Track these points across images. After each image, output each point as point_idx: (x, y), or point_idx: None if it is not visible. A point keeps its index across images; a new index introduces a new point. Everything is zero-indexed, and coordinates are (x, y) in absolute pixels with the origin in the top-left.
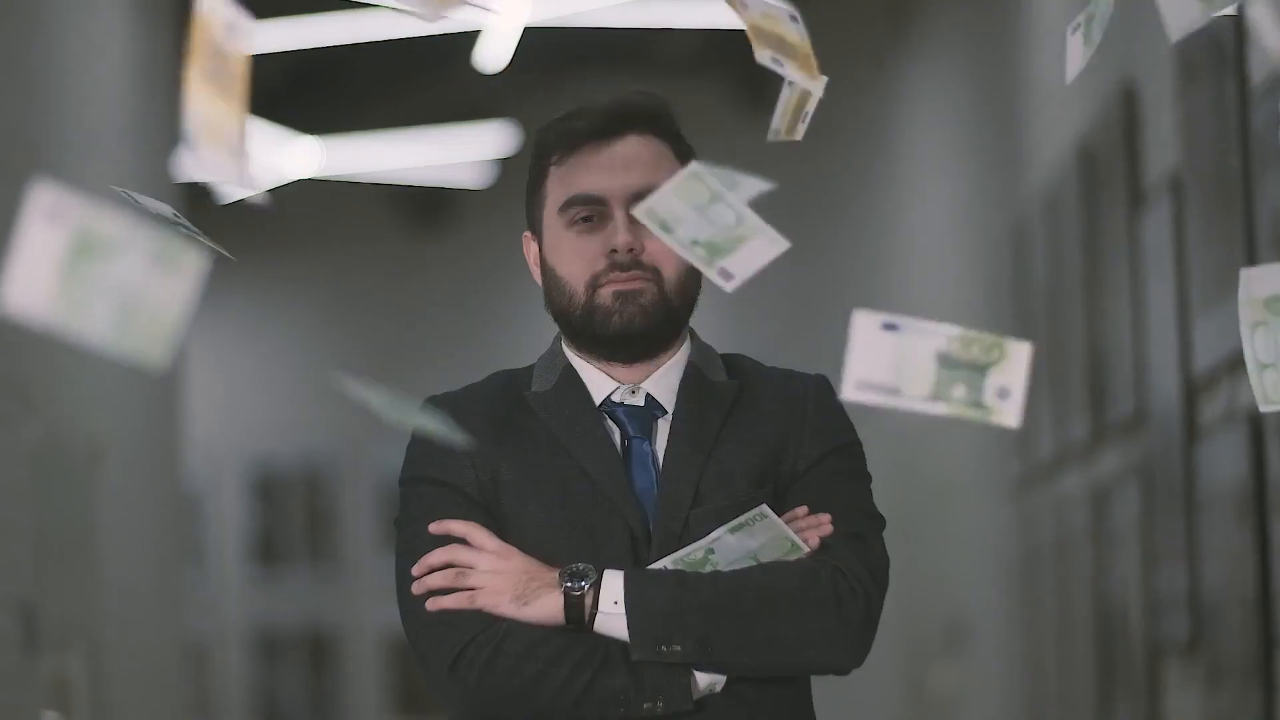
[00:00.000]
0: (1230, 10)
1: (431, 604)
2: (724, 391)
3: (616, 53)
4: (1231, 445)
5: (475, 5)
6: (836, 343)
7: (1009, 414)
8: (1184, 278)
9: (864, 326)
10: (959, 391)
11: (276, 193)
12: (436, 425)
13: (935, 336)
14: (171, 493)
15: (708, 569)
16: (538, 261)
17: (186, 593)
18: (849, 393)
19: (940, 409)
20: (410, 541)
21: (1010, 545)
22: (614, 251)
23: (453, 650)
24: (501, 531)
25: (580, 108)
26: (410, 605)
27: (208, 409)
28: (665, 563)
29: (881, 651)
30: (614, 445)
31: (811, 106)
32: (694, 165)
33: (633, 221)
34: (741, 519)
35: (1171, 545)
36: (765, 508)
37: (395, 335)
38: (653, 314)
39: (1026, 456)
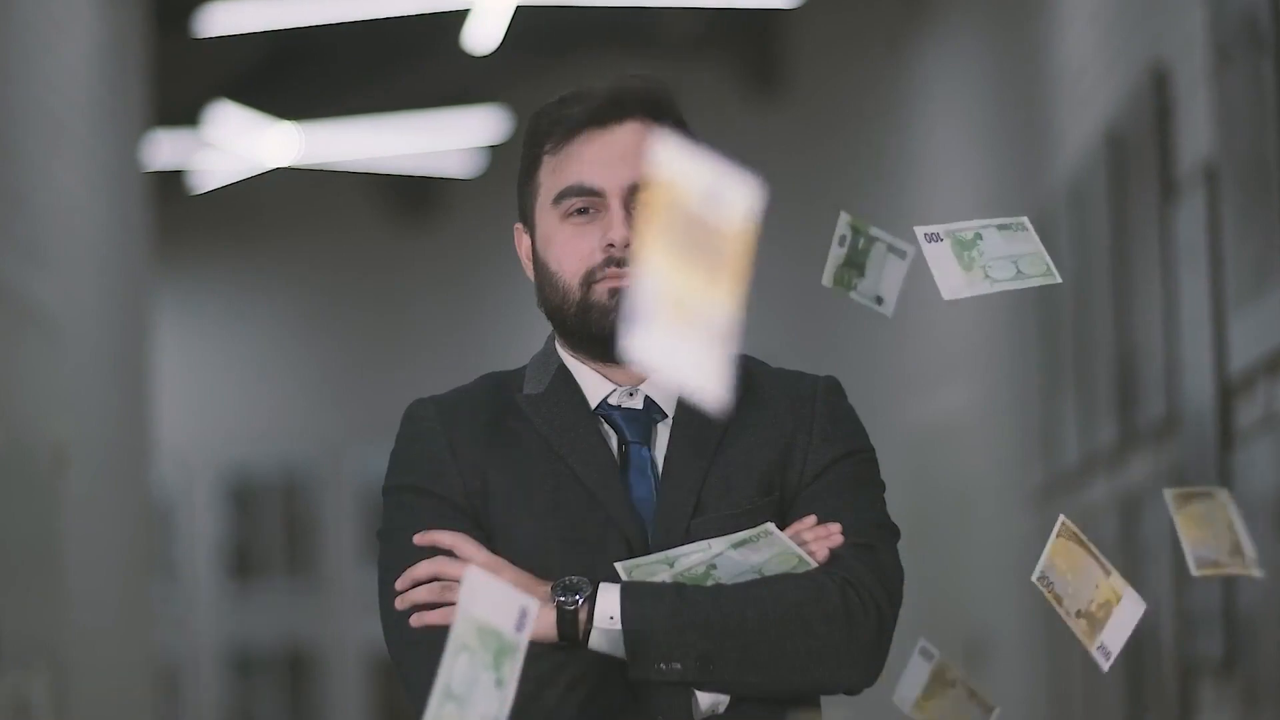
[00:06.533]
0: None
1: (416, 619)
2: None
3: (614, 33)
4: (1269, 451)
5: None
6: (846, 343)
7: None
8: (1219, 272)
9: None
10: None
11: (253, 182)
12: (422, 430)
13: None
14: (140, 502)
15: (709, 584)
16: (530, 256)
17: (156, 608)
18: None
19: None
20: (394, 554)
21: (1033, 558)
22: (611, 246)
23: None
24: (491, 542)
25: (576, 92)
26: (393, 621)
27: (179, 412)
28: (659, 558)
29: (896, 671)
30: (610, 451)
31: None
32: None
33: (630, 213)
34: (745, 534)
35: None
36: (770, 525)
37: (379, 334)
38: None
39: (1050, 464)
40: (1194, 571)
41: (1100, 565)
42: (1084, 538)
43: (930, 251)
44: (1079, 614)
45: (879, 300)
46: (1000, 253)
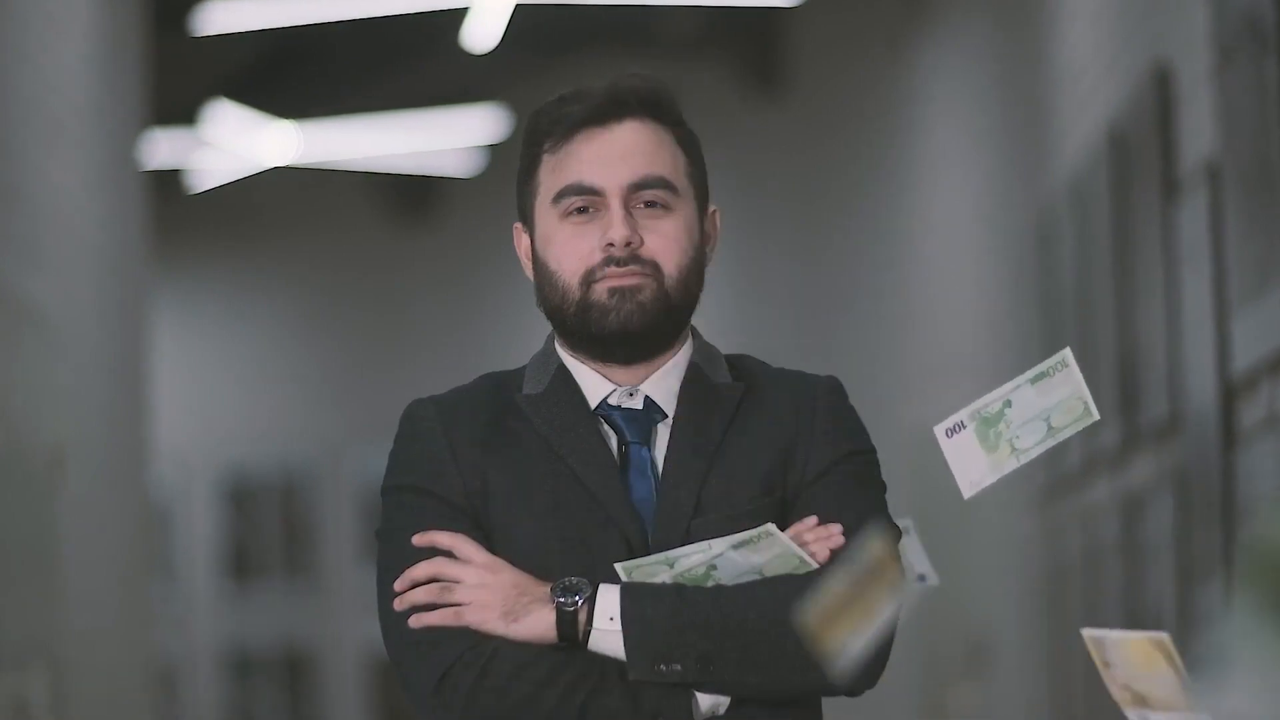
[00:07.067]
0: None
1: (415, 621)
2: (728, 394)
3: (614, 32)
4: (1272, 451)
5: None
6: (847, 343)
7: None
8: (1221, 272)
9: None
10: None
11: (251, 181)
12: (421, 430)
13: None
14: (138, 502)
15: (709, 585)
16: (529, 255)
17: (154, 609)
18: None
19: None
20: (392, 554)
21: (1035, 559)
22: (610, 245)
23: (437, 670)
24: (490, 543)
25: (575, 91)
26: (392, 622)
27: (178, 413)
28: (659, 559)
29: (897, 672)
30: (610, 451)
31: None
32: None
33: (630, 213)
34: (746, 535)
35: (1208, 559)
36: (771, 526)
37: (378, 334)
38: (651, 312)
39: (1052, 465)
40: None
41: (1185, 692)
42: (1179, 664)
43: (950, 447)
44: (1126, 687)
45: (922, 578)
46: (1030, 412)
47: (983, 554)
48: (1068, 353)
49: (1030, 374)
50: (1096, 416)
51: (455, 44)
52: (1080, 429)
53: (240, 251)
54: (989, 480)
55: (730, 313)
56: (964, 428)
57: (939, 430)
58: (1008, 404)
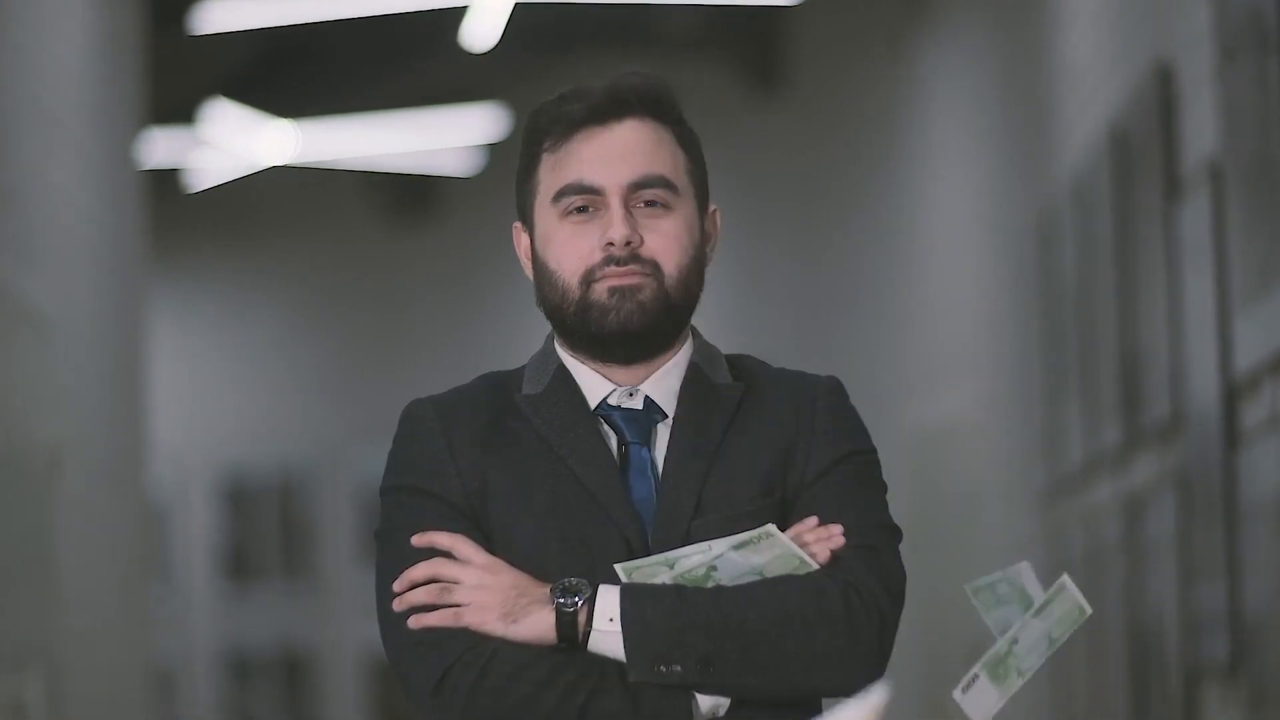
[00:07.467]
0: None
1: (414, 621)
2: (728, 394)
3: (614, 31)
4: (1275, 452)
5: None
6: (848, 343)
7: None
8: (1224, 272)
9: None
10: None
11: (249, 181)
12: (420, 430)
13: None
14: (136, 502)
15: (710, 586)
16: (529, 254)
17: (152, 610)
18: None
19: None
20: (391, 555)
21: (1037, 559)
22: (610, 244)
23: (437, 671)
24: (489, 544)
25: (575, 89)
26: (391, 623)
27: (175, 412)
28: (659, 559)
29: (898, 673)
30: (610, 452)
31: None
32: None
33: (630, 212)
34: (746, 536)
35: (1210, 559)
36: (772, 526)
37: (376, 334)
38: (651, 311)
39: (1055, 465)
40: None
41: None
42: None
43: (966, 700)
44: None
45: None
46: (1034, 638)
47: (984, 554)
48: (1066, 579)
49: (1032, 610)
50: (1090, 611)
51: (454, 43)
52: (1076, 629)
53: (239, 251)
54: (1000, 705)
55: (730, 313)
56: (978, 679)
57: (956, 693)
58: (1014, 641)
